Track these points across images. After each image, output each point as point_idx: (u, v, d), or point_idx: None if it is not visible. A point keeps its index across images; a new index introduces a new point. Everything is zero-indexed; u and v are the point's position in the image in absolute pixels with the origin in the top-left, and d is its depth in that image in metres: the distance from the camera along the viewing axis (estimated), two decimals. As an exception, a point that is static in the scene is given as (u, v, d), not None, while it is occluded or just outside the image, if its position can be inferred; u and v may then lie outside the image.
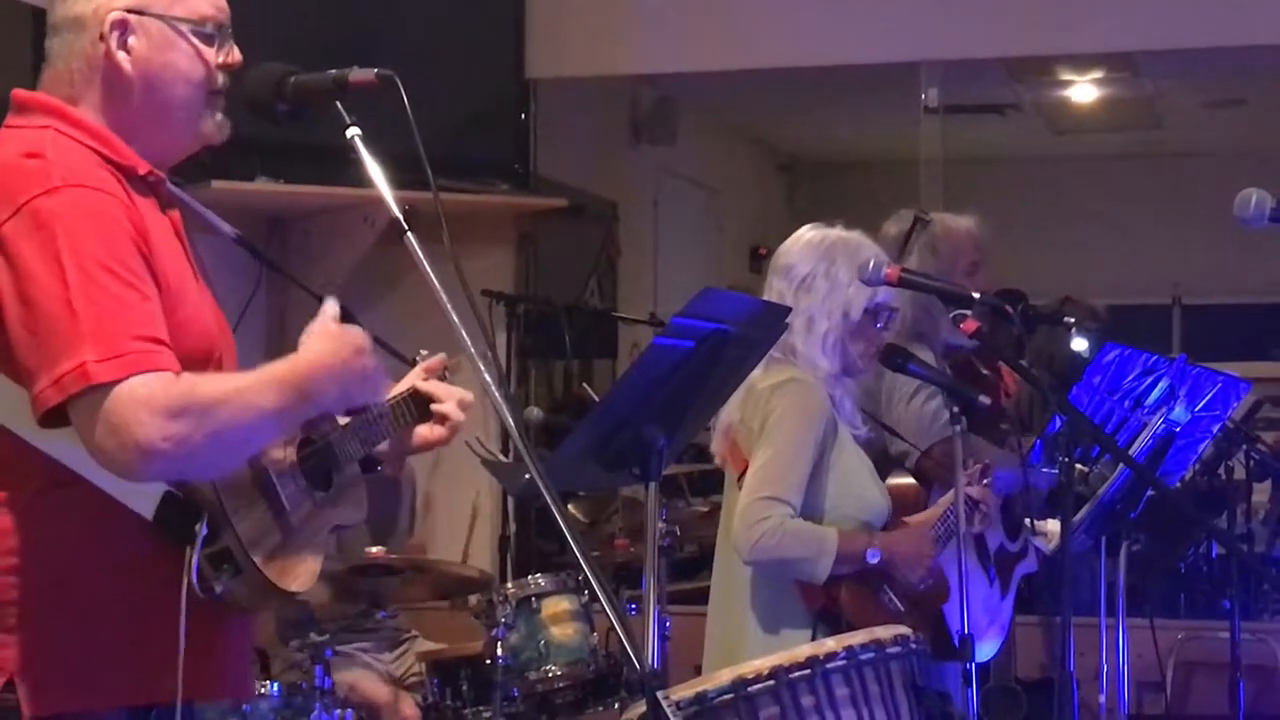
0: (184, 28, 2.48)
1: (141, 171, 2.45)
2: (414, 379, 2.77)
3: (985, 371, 4.64)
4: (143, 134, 2.48)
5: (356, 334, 2.48)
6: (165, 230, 2.47)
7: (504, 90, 6.59)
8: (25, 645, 2.34)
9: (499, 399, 2.34)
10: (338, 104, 2.52)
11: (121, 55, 2.45)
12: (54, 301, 2.23)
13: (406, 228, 2.41)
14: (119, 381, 2.20)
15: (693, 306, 2.96)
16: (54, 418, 2.25)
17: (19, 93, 2.49)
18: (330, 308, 2.56)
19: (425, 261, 2.38)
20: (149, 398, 2.21)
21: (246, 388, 2.34)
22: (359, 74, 2.53)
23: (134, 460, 2.21)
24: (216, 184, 5.76)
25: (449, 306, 2.35)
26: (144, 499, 2.33)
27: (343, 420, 2.65)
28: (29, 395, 2.25)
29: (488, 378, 2.33)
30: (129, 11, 2.45)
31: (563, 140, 7.30)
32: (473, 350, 2.33)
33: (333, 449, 2.59)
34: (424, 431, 2.77)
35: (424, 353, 2.84)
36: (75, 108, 2.45)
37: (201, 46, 2.50)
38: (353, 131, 2.48)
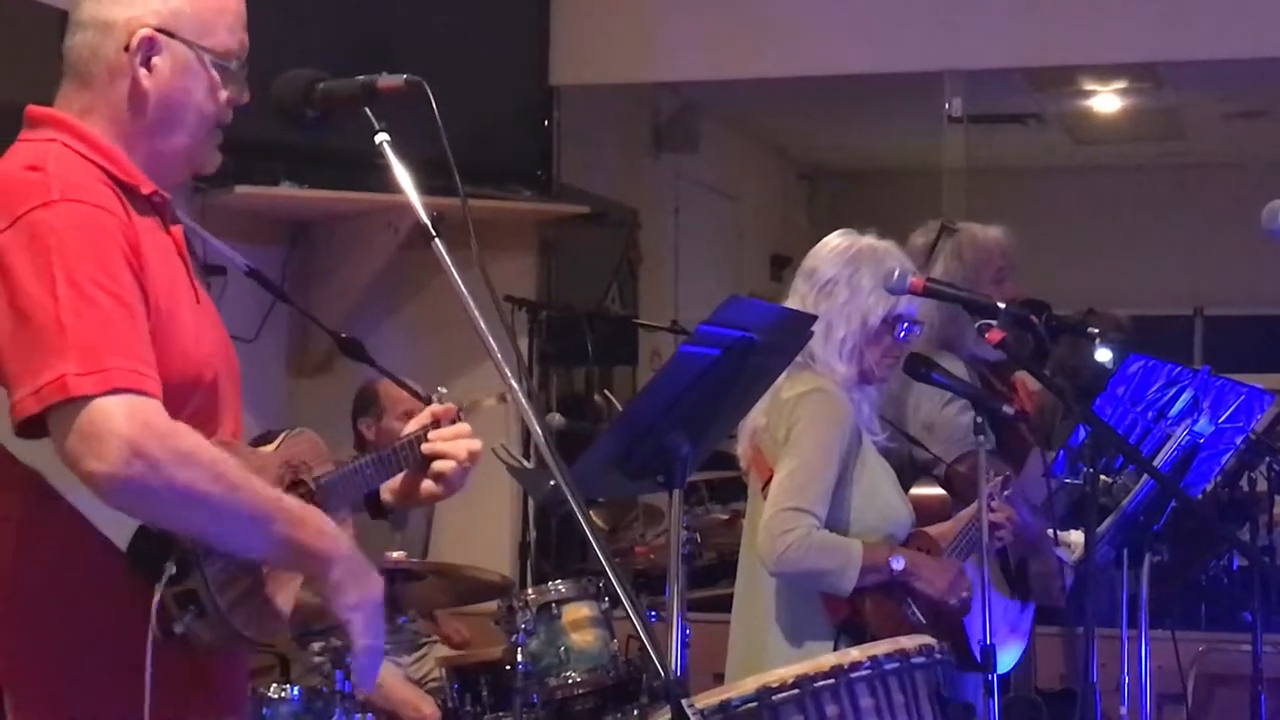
0: (208, 58, 2.48)
1: (145, 191, 2.44)
2: (422, 422, 2.73)
3: (1000, 386, 4.63)
4: (145, 150, 2.47)
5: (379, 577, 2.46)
6: (165, 249, 2.45)
7: (527, 97, 6.60)
8: (12, 657, 2.34)
9: (526, 407, 2.34)
10: (366, 110, 2.51)
11: (143, 71, 2.44)
12: (42, 313, 2.22)
13: (435, 234, 2.40)
14: (98, 396, 2.19)
15: (719, 314, 2.96)
16: (32, 428, 2.24)
17: (32, 108, 2.48)
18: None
19: (453, 269, 2.38)
20: (128, 414, 2.19)
21: (242, 472, 2.30)
22: (388, 80, 2.52)
23: (101, 471, 2.18)
24: (240, 189, 5.79)
25: (476, 314, 2.35)
26: (119, 527, 2.31)
27: (334, 465, 2.63)
28: (9, 404, 2.24)
29: (515, 385, 2.33)
30: (159, 30, 2.44)
31: (585, 147, 7.31)
32: (499, 357, 2.33)
33: (316, 496, 2.54)
34: (428, 486, 2.72)
35: (442, 390, 2.79)
36: (86, 119, 2.45)
37: (220, 80, 2.50)
38: (381, 137, 2.47)
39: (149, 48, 2.44)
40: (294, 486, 2.51)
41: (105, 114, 2.45)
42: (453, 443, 2.71)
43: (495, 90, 6.35)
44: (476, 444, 2.72)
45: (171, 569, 2.28)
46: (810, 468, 3.71)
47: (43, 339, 2.22)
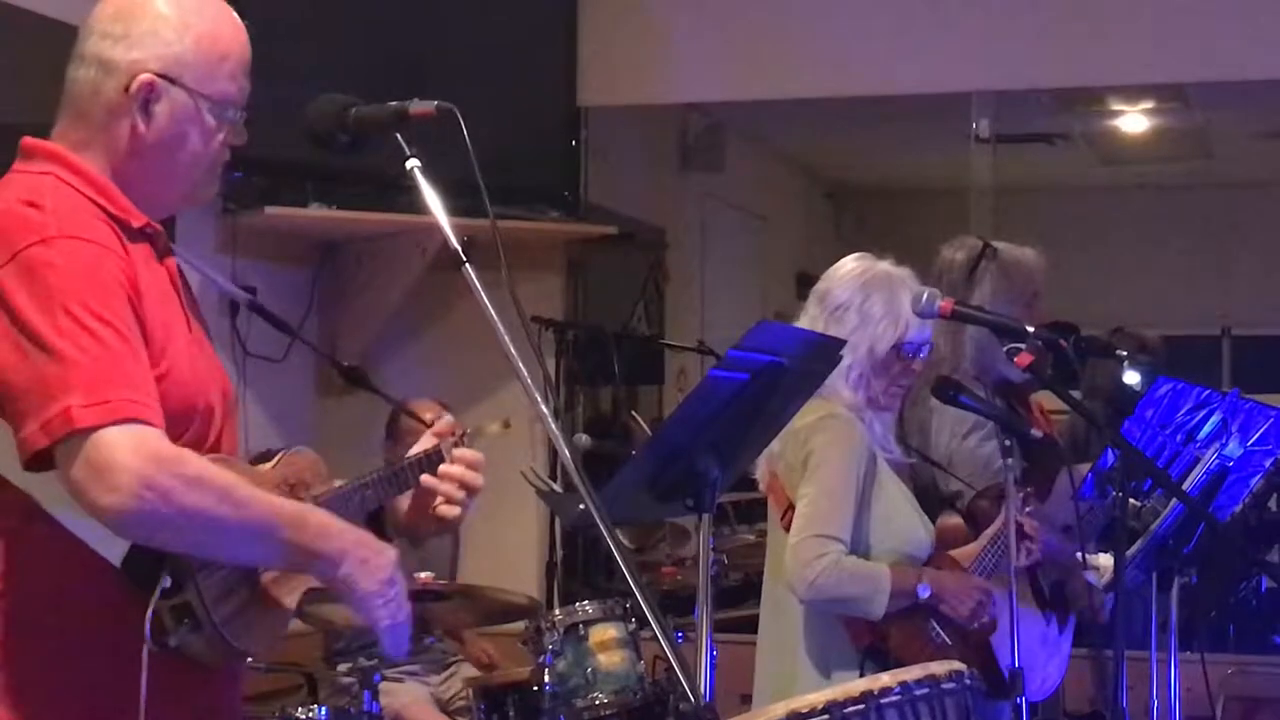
0: (206, 106, 2.49)
1: (137, 224, 2.46)
2: (425, 444, 2.72)
3: (1018, 408, 4.61)
4: (142, 187, 2.49)
5: (390, 551, 2.45)
6: (160, 280, 2.48)
7: (555, 118, 6.61)
8: (9, 676, 2.35)
9: (555, 431, 2.35)
10: (398, 135, 2.52)
11: (141, 116, 2.46)
12: (44, 348, 2.25)
13: (465, 259, 2.42)
14: (103, 426, 2.21)
15: (748, 339, 2.97)
16: (40, 462, 2.27)
17: (27, 140, 2.50)
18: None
19: (483, 292, 2.38)
20: (134, 445, 2.22)
21: (247, 488, 2.34)
22: (419, 106, 2.54)
23: (113, 504, 2.21)
24: (270, 209, 5.81)
25: (506, 338, 2.36)
26: (113, 545, 2.33)
27: (337, 483, 2.64)
28: (16, 439, 2.27)
29: (544, 409, 2.34)
30: (161, 76, 2.45)
31: (612, 168, 7.32)
32: (529, 380, 2.34)
33: None
34: (443, 509, 2.70)
35: (447, 417, 2.78)
36: (81, 154, 2.46)
37: (217, 127, 2.51)
38: (413, 163, 2.49)
39: (149, 92, 2.45)
40: None
41: (101, 150, 2.47)
42: (455, 477, 2.69)
43: (523, 111, 6.35)
44: (479, 479, 2.70)
45: (166, 582, 2.31)
46: (832, 494, 3.71)
47: (46, 374, 2.24)
